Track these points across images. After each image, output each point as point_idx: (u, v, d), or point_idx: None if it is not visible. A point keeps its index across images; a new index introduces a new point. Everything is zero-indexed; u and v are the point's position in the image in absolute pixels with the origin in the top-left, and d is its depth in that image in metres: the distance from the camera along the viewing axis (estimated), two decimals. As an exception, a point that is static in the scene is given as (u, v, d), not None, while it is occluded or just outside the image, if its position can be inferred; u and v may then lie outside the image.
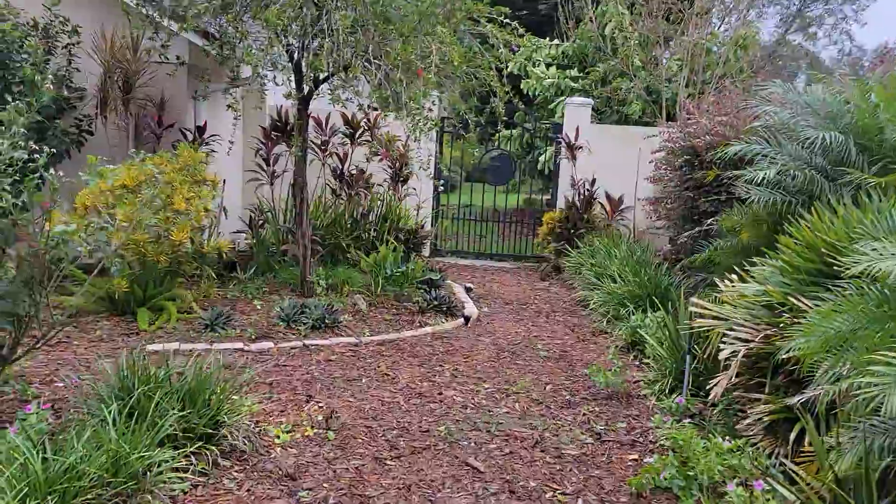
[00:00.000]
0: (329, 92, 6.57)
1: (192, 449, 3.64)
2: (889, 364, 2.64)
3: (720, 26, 16.03)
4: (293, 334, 6.31)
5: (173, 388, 3.85)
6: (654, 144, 9.03)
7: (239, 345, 5.87)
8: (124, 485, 3.12)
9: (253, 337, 6.11)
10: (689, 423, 4.51)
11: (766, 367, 4.07)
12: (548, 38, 15.69)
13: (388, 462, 4.06)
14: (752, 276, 4.51)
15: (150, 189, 4.93)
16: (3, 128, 3.47)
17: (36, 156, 3.73)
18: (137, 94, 7.68)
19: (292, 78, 6.99)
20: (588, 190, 10.37)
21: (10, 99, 5.08)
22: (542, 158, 14.55)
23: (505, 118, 7.40)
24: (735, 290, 4.53)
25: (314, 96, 7.44)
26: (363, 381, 5.36)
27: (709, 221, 6.78)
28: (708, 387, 4.38)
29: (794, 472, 3.38)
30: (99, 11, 7.57)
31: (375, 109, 7.29)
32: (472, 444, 4.37)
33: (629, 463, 4.23)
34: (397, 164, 9.64)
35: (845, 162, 5.21)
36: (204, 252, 6.93)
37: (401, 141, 9.24)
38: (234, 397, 4.25)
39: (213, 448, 3.75)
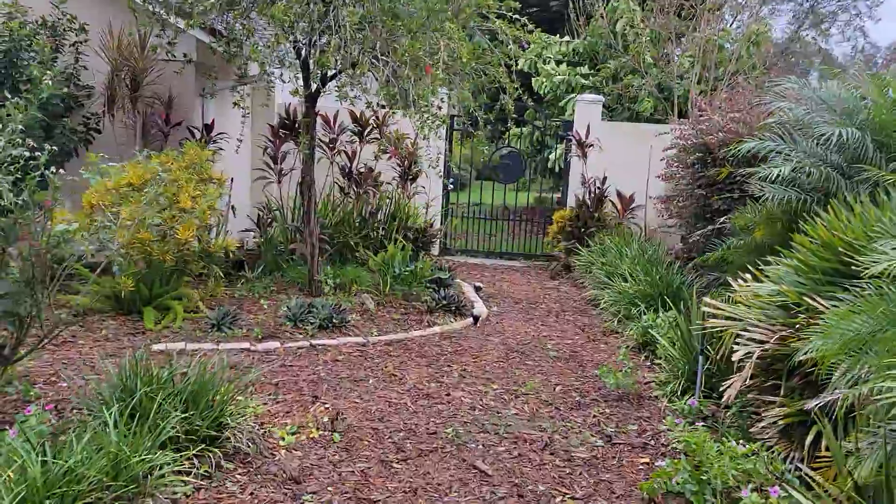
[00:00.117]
0: (336, 89, 6.51)
1: (194, 451, 3.58)
2: (911, 368, 2.55)
3: (732, 23, 15.89)
4: (300, 334, 6.26)
5: (176, 388, 3.79)
6: (666, 142, 8.93)
7: (245, 345, 5.82)
8: (124, 488, 3.06)
9: (259, 337, 6.06)
10: (702, 425, 4.42)
11: (781, 369, 3.98)
12: (558, 35, 15.58)
13: (395, 465, 3.99)
14: (766, 276, 4.41)
15: (155, 187, 4.87)
16: (1, 125, 3.42)
17: (38, 153, 3.68)
18: (145, 92, 7.64)
19: (300, 75, 6.93)
20: (599, 188, 10.27)
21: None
22: (552, 156, 14.46)
23: (515, 115, 7.32)
24: (749, 290, 4.43)
25: (322, 94, 7.38)
26: (370, 381, 5.29)
27: (722, 219, 6.68)
28: (721, 388, 4.29)
29: (810, 477, 3.28)
30: (106, 9, 7.53)
31: (384, 107, 7.22)
32: (480, 447, 4.30)
33: (640, 466, 4.15)
34: (406, 162, 9.56)
35: (862, 159, 5.11)
36: (211, 251, 6.88)
37: (410, 139, 9.16)
38: (239, 398, 4.19)
39: (217, 450, 3.69)
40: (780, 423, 3.82)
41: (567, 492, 3.81)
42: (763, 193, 5.39)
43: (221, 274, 7.22)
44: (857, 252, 3.68)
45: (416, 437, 4.39)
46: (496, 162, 12.63)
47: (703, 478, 3.62)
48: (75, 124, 7.45)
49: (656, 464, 4.01)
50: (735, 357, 4.04)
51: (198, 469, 3.55)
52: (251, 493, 3.53)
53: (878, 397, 2.65)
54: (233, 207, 7.86)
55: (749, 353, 3.98)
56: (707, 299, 4.77)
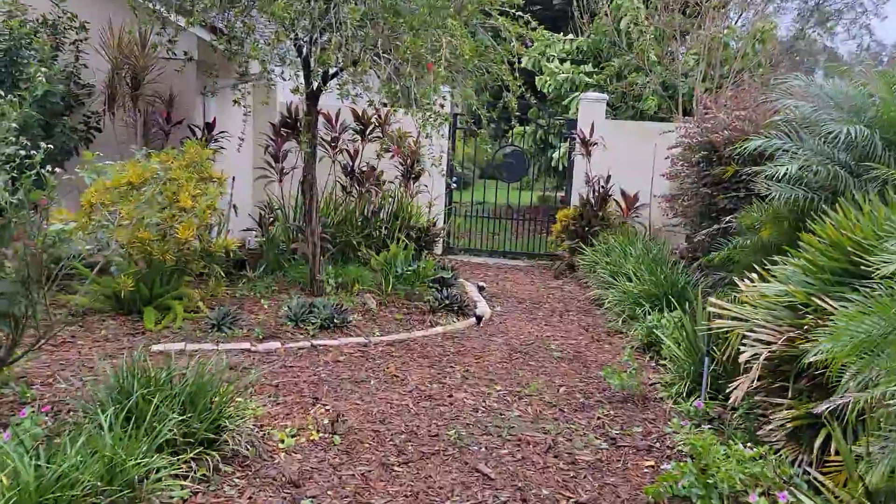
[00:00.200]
0: (338, 87, 6.45)
1: (192, 454, 3.52)
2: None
3: (737, 21, 15.79)
4: (301, 334, 6.20)
5: (174, 390, 3.73)
6: (671, 140, 8.84)
7: (246, 345, 5.76)
8: (119, 493, 3.01)
9: (260, 337, 6.00)
10: (708, 428, 4.35)
11: (788, 370, 3.91)
12: (562, 33, 15.50)
13: (396, 468, 3.93)
14: (773, 276, 4.35)
15: (153, 186, 4.81)
16: (-5, 123, 3.37)
17: (33, 152, 3.63)
18: (146, 91, 7.59)
19: (301, 73, 6.88)
20: (603, 187, 10.20)
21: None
22: (556, 155, 14.38)
23: (518, 114, 7.25)
24: (755, 290, 4.36)
25: (323, 92, 7.32)
26: (371, 382, 5.23)
27: (727, 218, 6.59)
28: (727, 390, 4.22)
29: (819, 482, 3.21)
30: (106, 7, 7.48)
31: (386, 105, 7.17)
32: (483, 450, 4.24)
33: (645, 470, 4.08)
34: (409, 161, 9.50)
35: (871, 157, 5.04)
36: (211, 250, 6.82)
37: (412, 137, 9.11)
38: (238, 399, 4.14)
39: (215, 453, 3.63)
40: (788, 425, 3.75)
41: (571, 496, 3.74)
42: (769, 192, 5.32)
43: (222, 273, 7.17)
44: (866, 252, 3.62)
45: (418, 439, 4.33)
46: (499, 161, 12.52)
47: (710, 482, 3.55)
48: (76, 123, 7.40)
49: (662, 467, 3.95)
50: (742, 358, 3.98)
51: (195, 473, 3.49)
52: (249, 498, 3.47)
53: (891, 401, 2.57)
54: (234, 206, 7.80)
55: (756, 354, 3.92)
56: (713, 299, 4.70)
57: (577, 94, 13.56)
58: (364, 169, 9.22)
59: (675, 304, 6.29)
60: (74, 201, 5.93)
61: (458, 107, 11.19)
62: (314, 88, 7.17)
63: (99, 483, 2.95)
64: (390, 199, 9.47)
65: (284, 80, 6.81)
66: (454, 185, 11.50)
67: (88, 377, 4.50)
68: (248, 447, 3.82)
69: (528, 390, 5.30)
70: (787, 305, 4.07)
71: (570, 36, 15.42)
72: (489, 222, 12.52)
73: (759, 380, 4.00)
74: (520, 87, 7.10)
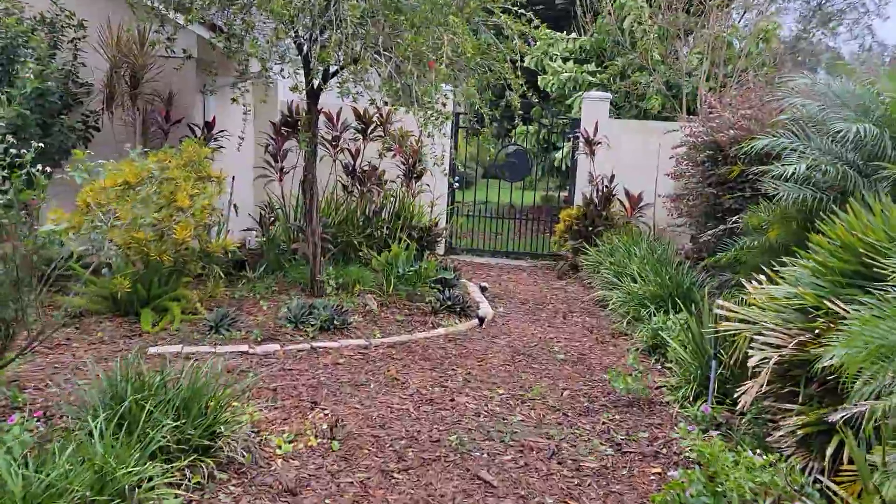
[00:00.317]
0: (338, 85, 6.36)
1: (186, 462, 3.43)
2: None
3: (740, 20, 15.69)
4: (300, 336, 6.11)
5: (168, 395, 3.64)
6: (675, 139, 8.74)
7: (244, 347, 5.67)
8: (110, 503, 2.91)
9: (259, 339, 5.91)
10: (716, 433, 4.24)
11: (798, 375, 3.81)
12: (565, 32, 15.39)
13: (396, 475, 3.84)
14: (781, 277, 4.24)
15: (148, 186, 4.72)
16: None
17: (24, 151, 3.54)
18: (145, 89, 7.51)
19: (301, 71, 6.79)
20: (606, 186, 10.10)
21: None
22: (559, 154, 14.28)
23: (521, 113, 7.16)
24: (764, 292, 4.26)
25: (324, 90, 7.23)
26: (371, 386, 5.14)
27: (733, 219, 6.50)
28: (735, 395, 4.11)
29: (832, 491, 3.12)
30: (104, 5, 7.40)
31: (387, 104, 7.08)
32: (485, 456, 4.14)
33: (652, 477, 3.98)
34: (410, 160, 9.41)
35: (880, 156, 4.94)
36: (210, 250, 6.73)
37: (414, 136, 9.00)
38: (235, 404, 4.06)
39: (209, 460, 3.54)
40: (799, 432, 3.65)
41: (575, 504, 3.65)
42: (777, 192, 5.23)
43: (221, 274, 7.07)
44: (878, 254, 3.52)
45: (419, 444, 4.23)
46: (502, 160, 12.42)
47: (719, 490, 3.44)
48: (74, 122, 7.31)
49: (669, 474, 3.84)
50: (751, 362, 3.87)
51: (189, 481, 3.40)
52: (245, 506, 3.39)
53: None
54: (235, 206, 7.71)
55: (765, 358, 3.81)
56: (719, 301, 4.59)
57: (580, 93, 13.45)
58: (365, 168, 9.14)
59: (681, 305, 6.19)
60: (71, 201, 5.84)
61: (460, 105, 11.10)
62: (314, 87, 7.08)
63: (88, 493, 2.86)
64: (392, 199, 9.38)
65: (284, 78, 6.72)
66: (456, 184, 11.40)
67: (81, 381, 4.40)
68: (244, 454, 3.73)
69: (532, 394, 5.21)
70: (797, 308, 3.97)
71: (573, 35, 15.31)
72: (492, 222, 12.42)
73: (768, 384, 3.89)
74: (522, 85, 7.00)
